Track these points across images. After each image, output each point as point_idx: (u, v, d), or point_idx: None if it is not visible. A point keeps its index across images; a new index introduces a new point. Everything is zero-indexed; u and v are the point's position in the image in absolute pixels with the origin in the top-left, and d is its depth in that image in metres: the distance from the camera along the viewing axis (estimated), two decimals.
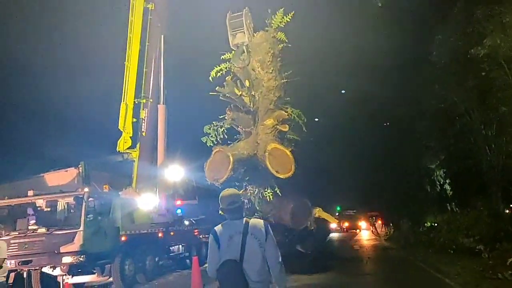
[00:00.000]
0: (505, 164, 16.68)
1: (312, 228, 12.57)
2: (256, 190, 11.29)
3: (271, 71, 10.98)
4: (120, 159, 16.14)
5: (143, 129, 16.14)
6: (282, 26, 11.32)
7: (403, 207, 25.41)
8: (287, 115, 10.85)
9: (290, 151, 10.01)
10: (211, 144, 10.90)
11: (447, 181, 21.65)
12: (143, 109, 16.23)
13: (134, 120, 16.15)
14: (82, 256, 11.01)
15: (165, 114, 16.39)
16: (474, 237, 14.42)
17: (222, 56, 11.59)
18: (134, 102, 16.13)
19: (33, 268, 11.49)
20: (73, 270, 11.42)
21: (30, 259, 11.12)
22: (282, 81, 11.17)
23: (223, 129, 11.31)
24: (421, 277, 11.89)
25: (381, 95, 21.89)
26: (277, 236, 3.72)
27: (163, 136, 16.30)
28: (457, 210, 21.00)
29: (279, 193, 11.02)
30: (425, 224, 24.53)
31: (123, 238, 12.68)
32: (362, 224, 42.43)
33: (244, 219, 3.71)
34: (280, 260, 3.63)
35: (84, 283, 12.88)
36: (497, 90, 14.76)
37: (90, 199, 11.73)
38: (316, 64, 17.92)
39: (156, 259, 14.51)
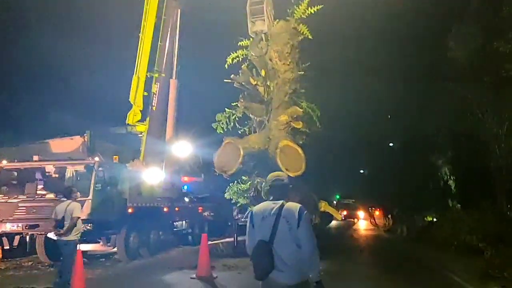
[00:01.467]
0: None
1: (317, 222, 12.55)
2: (264, 182, 11.21)
3: (288, 63, 10.65)
4: (123, 131, 16.09)
5: (153, 104, 16.03)
6: (305, 17, 11.03)
7: (404, 200, 25.44)
8: (302, 111, 10.69)
9: (302, 149, 9.88)
10: (221, 132, 10.79)
11: (452, 178, 21.58)
12: (155, 83, 16.10)
13: (145, 93, 16.05)
14: (89, 225, 11.01)
15: (176, 89, 16.26)
16: (477, 235, 14.44)
17: (239, 43, 11.37)
18: (146, 75, 16.00)
19: (38, 233, 11.53)
20: None
21: (37, 223, 11.13)
22: (299, 73, 10.97)
23: (235, 117, 11.16)
24: (427, 271, 11.87)
25: (391, 88, 21.69)
26: None
27: (173, 111, 16.19)
28: (458, 207, 20.99)
29: None
30: (425, 219, 24.60)
31: (130, 210, 12.71)
32: (361, 213, 42.75)
33: (282, 201, 3.65)
34: (314, 247, 3.53)
35: (87, 251, 12.95)
36: None
37: (100, 168, 11.72)
38: (334, 57, 17.71)
39: (160, 233, 14.57)
